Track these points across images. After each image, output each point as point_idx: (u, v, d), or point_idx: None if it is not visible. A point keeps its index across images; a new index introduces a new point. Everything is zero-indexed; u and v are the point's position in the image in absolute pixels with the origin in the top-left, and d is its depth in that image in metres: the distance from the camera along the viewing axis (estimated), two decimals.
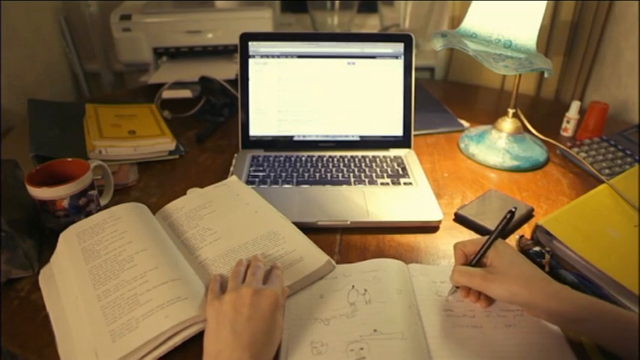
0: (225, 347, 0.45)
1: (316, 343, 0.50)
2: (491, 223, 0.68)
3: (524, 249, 0.63)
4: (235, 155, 0.86)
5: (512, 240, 0.67)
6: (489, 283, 0.50)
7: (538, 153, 0.87)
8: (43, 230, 0.66)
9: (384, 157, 0.85)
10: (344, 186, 0.77)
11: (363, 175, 0.79)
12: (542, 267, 0.60)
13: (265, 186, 0.77)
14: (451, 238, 0.68)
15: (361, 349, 0.48)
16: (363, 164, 0.82)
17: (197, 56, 1.26)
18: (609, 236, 0.62)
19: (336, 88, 0.86)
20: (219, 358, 0.44)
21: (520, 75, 0.83)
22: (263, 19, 1.19)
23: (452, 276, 0.54)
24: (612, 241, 0.62)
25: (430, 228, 0.70)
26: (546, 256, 0.61)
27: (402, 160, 0.84)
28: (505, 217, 0.55)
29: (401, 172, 0.80)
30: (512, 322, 0.53)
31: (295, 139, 0.87)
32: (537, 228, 0.66)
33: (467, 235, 0.69)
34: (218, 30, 1.21)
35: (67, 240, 0.60)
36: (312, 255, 0.60)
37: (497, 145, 0.87)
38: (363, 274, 0.59)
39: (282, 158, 0.84)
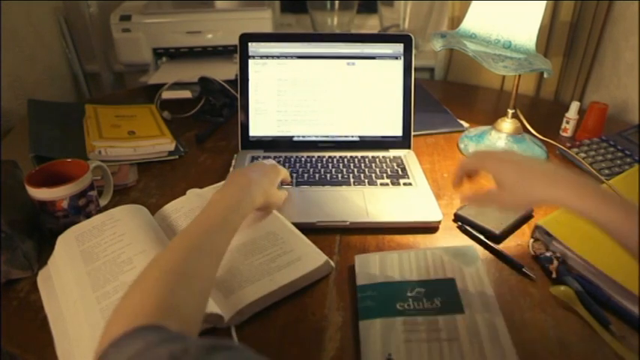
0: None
1: None
2: (491, 224, 0.68)
3: (536, 253, 0.63)
4: (235, 156, 0.86)
5: (518, 240, 0.67)
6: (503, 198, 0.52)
7: (537, 153, 0.87)
8: (42, 231, 0.66)
9: (383, 157, 0.84)
10: (343, 186, 0.77)
11: (362, 175, 0.79)
12: (549, 272, 0.60)
13: None
14: (451, 239, 0.68)
15: None
16: (362, 165, 0.82)
17: (197, 57, 1.26)
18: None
19: (335, 88, 0.86)
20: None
21: (519, 75, 0.83)
22: (263, 20, 1.19)
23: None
24: (612, 242, 0.61)
25: (430, 228, 0.70)
26: (554, 261, 0.60)
27: (402, 161, 0.84)
28: None
29: (400, 172, 0.80)
30: None
31: (295, 139, 0.87)
32: (537, 228, 0.66)
33: (466, 235, 0.69)
34: (218, 30, 1.21)
35: (66, 243, 0.60)
36: (310, 255, 0.60)
37: (496, 145, 0.87)
38: None
39: (281, 159, 0.84)
